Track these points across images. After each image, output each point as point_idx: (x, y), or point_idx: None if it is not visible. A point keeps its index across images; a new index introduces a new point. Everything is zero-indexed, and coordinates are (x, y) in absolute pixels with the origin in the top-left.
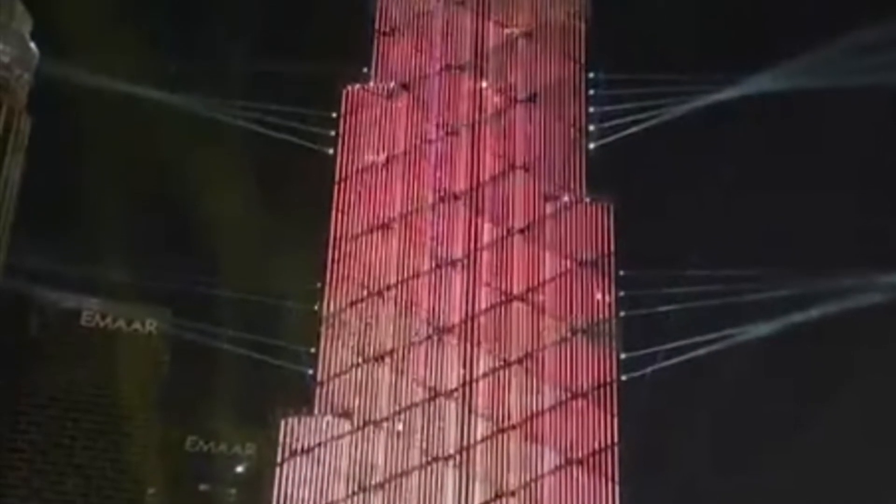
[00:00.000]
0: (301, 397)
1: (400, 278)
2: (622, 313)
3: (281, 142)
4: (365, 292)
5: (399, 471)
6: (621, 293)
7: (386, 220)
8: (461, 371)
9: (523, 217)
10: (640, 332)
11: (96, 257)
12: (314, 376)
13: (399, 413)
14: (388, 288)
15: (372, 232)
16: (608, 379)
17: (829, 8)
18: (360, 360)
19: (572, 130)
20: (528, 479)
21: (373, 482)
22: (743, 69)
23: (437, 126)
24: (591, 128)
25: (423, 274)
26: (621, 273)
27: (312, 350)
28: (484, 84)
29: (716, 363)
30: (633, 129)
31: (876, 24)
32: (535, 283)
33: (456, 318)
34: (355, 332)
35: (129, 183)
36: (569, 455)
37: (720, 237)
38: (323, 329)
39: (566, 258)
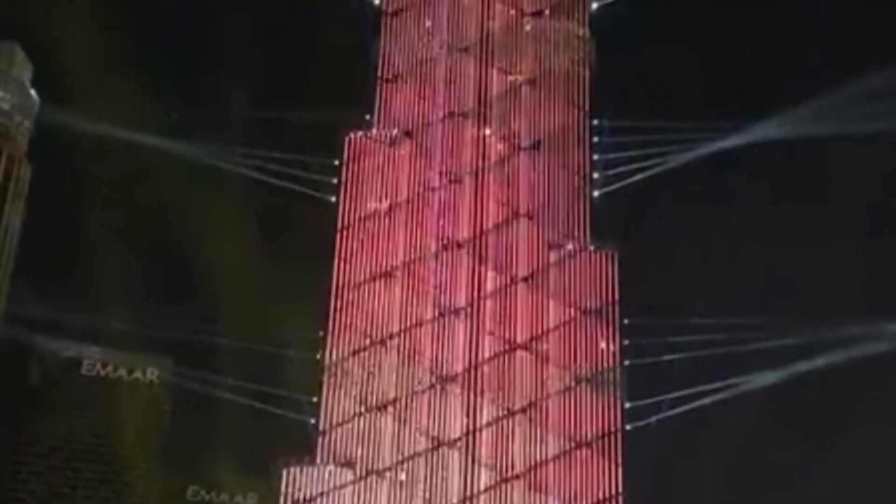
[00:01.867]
0: (303, 447)
1: (403, 327)
2: (626, 362)
3: (283, 189)
4: (367, 341)
5: None
6: (626, 342)
7: (389, 269)
8: (464, 420)
9: (527, 265)
10: (645, 381)
11: (97, 306)
12: (316, 425)
13: (402, 463)
14: (391, 336)
15: (374, 280)
16: (612, 428)
17: (834, 55)
18: (363, 409)
19: (576, 178)
20: None
21: None
22: (748, 116)
23: (441, 174)
24: (596, 175)
25: (426, 322)
26: (626, 322)
27: (314, 399)
28: (487, 131)
29: (721, 413)
30: (638, 177)
31: (882, 71)
32: (539, 331)
33: (459, 367)
34: (358, 381)
35: (130, 231)
36: None
37: (725, 286)
38: (325, 378)
39: (570, 307)
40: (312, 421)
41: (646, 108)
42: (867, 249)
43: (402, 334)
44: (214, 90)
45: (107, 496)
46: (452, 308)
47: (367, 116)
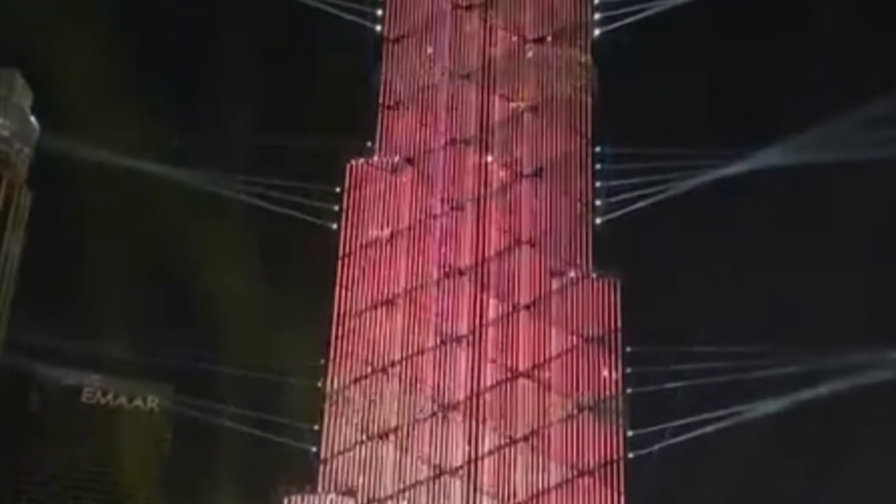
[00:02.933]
0: (304, 475)
1: (404, 355)
2: (629, 390)
3: (284, 216)
4: (369, 369)
5: None
6: (628, 370)
7: (390, 296)
8: (466, 448)
9: (529, 293)
10: (647, 409)
11: (97, 333)
12: (317, 454)
13: (404, 491)
14: (393, 364)
15: (376, 308)
16: (615, 456)
17: (837, 81)
18: (364, 437)
19: (578, 205)
20: None
21: None
22: (751, 143)
23: (442, 201)
24: (598, 202)
25: (428, 350)
26: (628, 349)
27: (316, 427)
28: (489, 158)
29: (724, 441)
30: (640, 204)
31: (885, 97)
32: (541, 359)
33: (461, 395)
34: (359, 409)
35: (131, 258)
36: None
37: (728, 313)
38: (326, 406)
39: (572, 334)
40: (314, 449)
41: (648, 134)
42: (871, 277)
43: (404, 362)
44: (215, 117)
45: None
46: (454, 336)
47: (369, 143)
